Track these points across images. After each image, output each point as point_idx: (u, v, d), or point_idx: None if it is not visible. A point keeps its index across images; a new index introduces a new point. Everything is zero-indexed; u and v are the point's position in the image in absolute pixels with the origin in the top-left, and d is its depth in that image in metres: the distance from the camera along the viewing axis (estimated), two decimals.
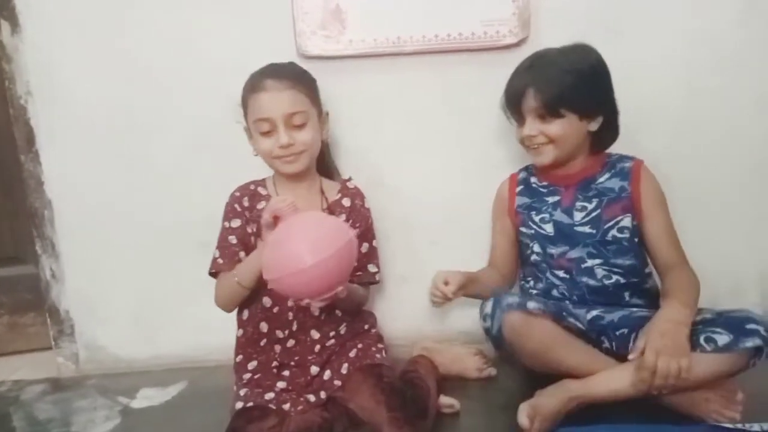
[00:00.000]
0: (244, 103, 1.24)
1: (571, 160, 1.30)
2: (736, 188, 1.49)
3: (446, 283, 1.28)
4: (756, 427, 1.09)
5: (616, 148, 1.32)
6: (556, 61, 1.23)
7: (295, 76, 1.23)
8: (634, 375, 1.10)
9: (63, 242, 1.47)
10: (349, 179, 1.36)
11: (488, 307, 1.22)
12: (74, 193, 1.45)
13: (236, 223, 1.26)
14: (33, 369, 1.55)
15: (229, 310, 1.26)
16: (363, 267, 1.32)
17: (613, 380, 1.14)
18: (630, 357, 1.10)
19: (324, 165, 1.37)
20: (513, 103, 1.28)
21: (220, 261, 1.24)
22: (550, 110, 1.23)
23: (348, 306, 1.27)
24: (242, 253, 1.25)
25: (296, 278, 1.02)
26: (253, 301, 1.27)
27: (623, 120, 1.29)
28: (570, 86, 1.21)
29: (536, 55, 1.27)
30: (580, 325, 1.22)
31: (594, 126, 1.27)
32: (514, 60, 1.29)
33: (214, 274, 1.25)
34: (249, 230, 1.26)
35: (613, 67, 1.25)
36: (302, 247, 1.02)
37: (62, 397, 1.43)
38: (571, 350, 1.18)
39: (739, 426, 1.09)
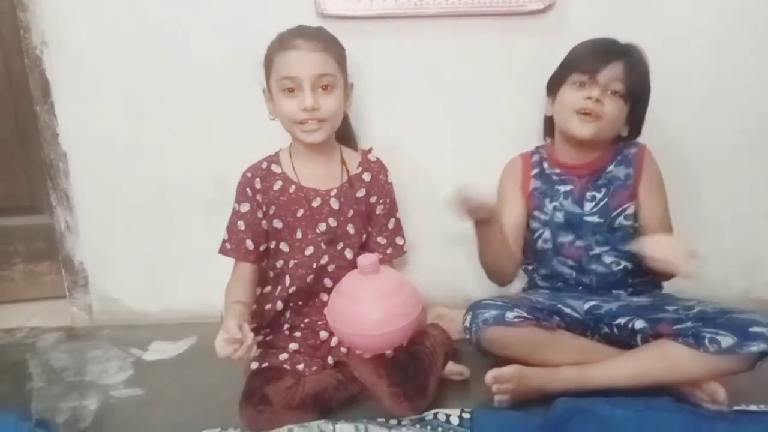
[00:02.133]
0: (269, 62, 1.19)
1: (592, 149, 1.29)
2: (762, 166, 1.46)
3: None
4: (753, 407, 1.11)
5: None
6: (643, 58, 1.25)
7: (327, 40, 1.20)
8: (698, 355, 1.09)
9: (77, 194, 1.48)
10: (370, 150, 1.33)
11: (467, 320, 1.23)
12: (89, 145, 1.45)
13: (245, 207, 1.24)
14: (48, 317, 1.59)
15: None
16: (392, 242, 1.31)
17: (611, 369, 1.16)
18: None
19: (343, 133, 1.33)
20: (597, 61, 1.22)
21: (228, 246, 1.25)
22: (627, 87, 1.22)
23: None
24: (249, 242, 1.24)
25: (360, 339, 1.09)
26: (271, 282, 1.29)
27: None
28: (646, 81, 1.25)
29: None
30: (576, 315, 1.24)
31: (625, 131, 1.30)
32: (538, 27, 1.26)
33: (224, 254, 1.26)
34: (259, 215, 1.25)
35: (640, 38, 1.21)
36: (373, 318, 1.06)
37: (76, 347, 1.47)
38: (558, 349, 1.19)
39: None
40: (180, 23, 1.39)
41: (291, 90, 1.17)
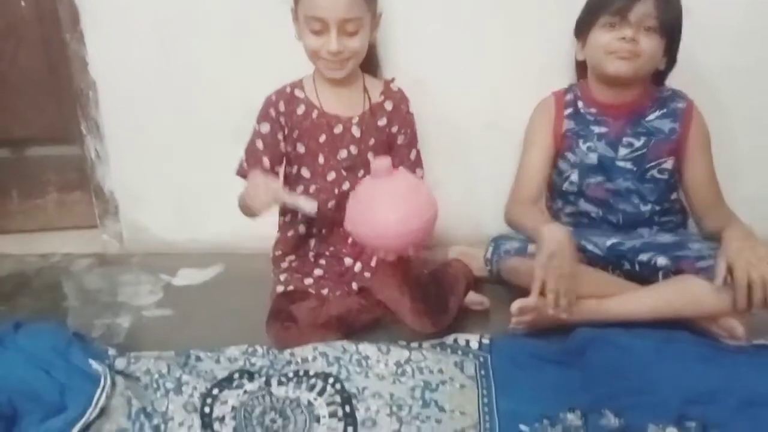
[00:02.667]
0: None
1: (630, 86, 1.26)
2: None
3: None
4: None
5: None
6: None
7: None
8: (718, 289, 1.10)
9: (107, 123, 1.50)
10: (393, 80, 1.33)
11: (489, 252, 1.26)
12: (118, 75, 1.45)
13: (265, 128, 1.25)
14: (80, 245, 1.63)
15: (249, 216, 1.22)
16: (412, 173, 1.31)
17: (630, 302, 1.18)
18: (716, 283, 1.10)
19: (367, 61, 1.32)
20: (625, 2, 1.19)
21: (245, 165, 1.26)
22: (661, 22, 1.18)
23: None
24: (266, 159, 1.25)
25: (378, 241, 1.10)
26: (295, 210, 1.30)
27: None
28: (678, 14, 1.21)
29: None
30: (598, 251, 1.24)
31: (662, 65, 1.25)
32: None
33: (241, 175, 1.26)
34: (279, 136, 1.26)
35: None
36: (390, 218, 1.06)
37: (108, 271, 1.52)
38: (578, 282, 1.18)
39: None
40: None
41: (317, 31, 1.16)
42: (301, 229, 1.31)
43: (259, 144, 1.26)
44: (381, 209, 1.08)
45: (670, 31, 1.21)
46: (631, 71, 1.22)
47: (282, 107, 1.26)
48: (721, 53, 1.38)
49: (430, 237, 1.14)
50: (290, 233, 1.32)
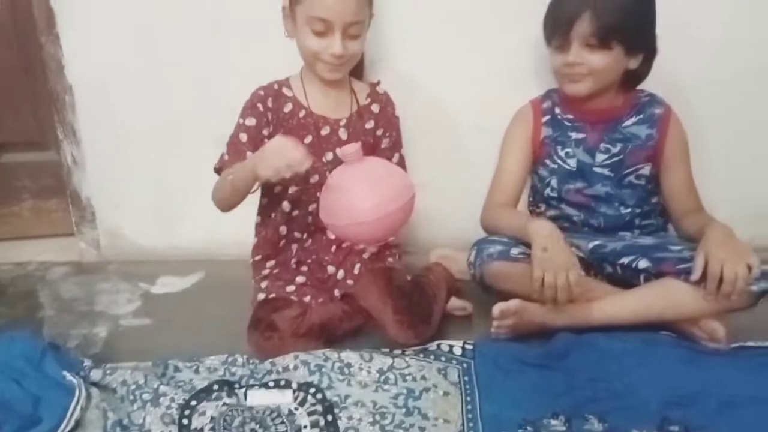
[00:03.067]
0: None
1: (601, 94, 1.25)
2: None
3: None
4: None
5: (653, 73, 1.27)
6: None
7: None
8: (699, 292, 1.10)
9: (84, 128, 1.47)
10: (378, 83, 1.32)
11: (472, 255, 1.25)
12: (95, 78, 1.42)
13: (251, 121, 1.22)
14: (57, 252, 1.60)
15: (223, 210, 1.20)
16: None
17: (612, 306, 1.18)
18: (692, 278, 1.10)
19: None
20: (562, 25, 1.19)
21: (226, 158, 1.20)
22: (602, 39, 1.16)
23: None
24: (249, 153, 1.20)
25: (355, 229, 1.06)
26: (273, 207, 1.29)
27: (662, 44, 1.23)
28: (628, 17, 1.16)
29: None
30: (581, 254, 1.25)
31: (634, 64, 1.23)
32: None
33: (218, 170, 1.21)
34: (265, 132, 1.23)
35: None
36: (366, 202, 1.04)
37: (85, 280, 1.49)
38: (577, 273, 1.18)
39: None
40: None
41: (320, 33, 1.14)
42: (282, 230, 1.29)
43: (243, 137, 1.21)
44: (356, 194, 1.05)
45: (621, 36, 1.16)
46: (587, 90, 1.22)
47: (270, 103, 1.23)
48: (701, 65, 1.39)
49: (407, 221, 1.11)
50: (270, 231, 1.29)
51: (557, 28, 1.21)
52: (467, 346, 1.16)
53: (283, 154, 1.02)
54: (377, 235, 1.09)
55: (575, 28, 1.17)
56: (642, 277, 1.20)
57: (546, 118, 1.33)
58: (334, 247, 1.29)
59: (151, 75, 1.42)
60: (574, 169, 1.31)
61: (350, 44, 1.16)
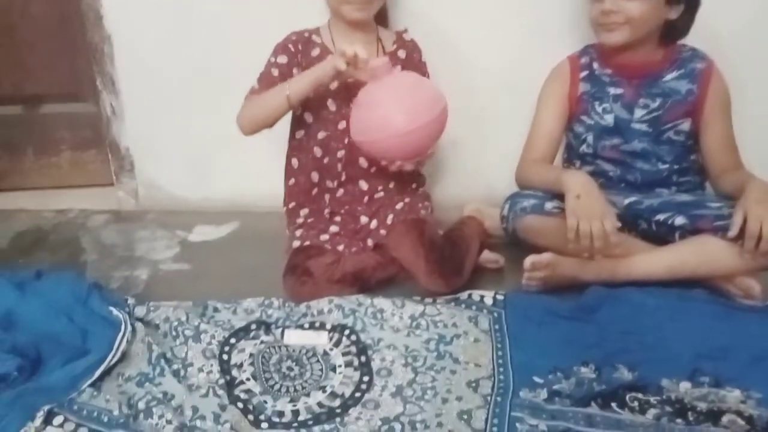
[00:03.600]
0: None
1: (640, 45, 1.22)
2: None
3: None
4: None
5: (695, 28, 1.23)
6: None
7: None
8: (736, 249, 1.10)
9: (122, 79, 1.49)
10: (405, 31, 1.32)
11: (506, 209, 1.25)
12: (133, 29, 1.44)
13: (283, 59, 1.23)
14: (96, 201, 1.64)
15: (249, 131, 1.22)
16: None
17: (646, 262, 1.17)
18: (729, 234, 1.09)
19: (378, 12, 1.29)
20: None
21: (257, 88, 1.22)
22: None
23: None
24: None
25: (390, 142, 1.05)
26: (304, 152, 1.30)
27: None
28: None
29: None
30: (616, 210, 1.22)
31: (674, 14, 1.19)
32: None
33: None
34: (295, 71, 1.23)
35: None
36: (399, 114, 1.03)
37: (125, 227, 1.53)
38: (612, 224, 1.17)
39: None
40: None
41: None
42: (314, 176, 1.30)
43: (275, 72, 1.23)
44: (388, 107, 1.04)
45: None
46: (624, 39, 1.19)
47: (300, 46, 1.25)
48: (743, 12, 1.34)
49: (441, 134, 1.10)
50: (302, 178, 1.31)
51: None
52: (498, 297, 1.17)
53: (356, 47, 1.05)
54: (411, 149, 1.07)
55: None
56: (677, 234, 1.19)
57: (584, 73, 1.31)
58: (366, 197, 1.31)
59: (189, 26, 1.44)
60: (611, 125, 1.29)
61: None
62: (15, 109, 1.66)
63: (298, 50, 1.25)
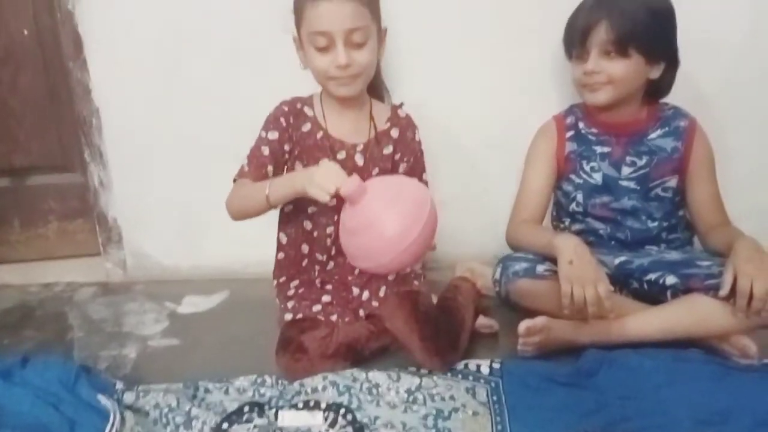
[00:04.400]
0: (299, 12, 1.15)
1: (623, 105, 1.26)
2: None
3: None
4: None
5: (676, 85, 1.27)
6: None
7: None
8: (729, 308, 1.10)
9: (110, 150, 1.50)
10: (401, 105, 1.31)
11: (497, 272, 1.25)
12: (121, 101, 1.46)
13: (273, 135, 1.21)
14: (83, 273, 1.62)
15: (236, 218, 1.20)
16: None
17: (640, 323, 1.17)
18: (720, 293, 1.09)
19: (373, 84, 1.29)
20: (580, 35, 1.20)
21: (246, 169, 1.19)
22: (619, 47, 1.17)
23: None
24: (270, 167, 1.20)
25: (395, 262, 1.03)
26: (293, 225, 1.29)
27: (683, 52, 1.23)
28: (644, 24, 1.17)
29: None
30: (606, 270, 1.24)
31: (655, 73, 1.23)
32: None
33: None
34: (286, 147, 1.22)
35: None
36: (394, 234, 0.99)
37: (113, 300, 1.51)
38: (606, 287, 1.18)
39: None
40: None
41: (323, 48, 1.13)
42: (304, 248, 1.29)
43: (265, 150, 1.20)
44: (377, 231, 1.00)
45: (638, 43, 1.17)
46: (608, 99, 1.22)
47: (291, 120, 1.24)
48: (722, 69, 1.39)
49: (436, 227, 1.06)
50: (291, 251, 1.30)
51: (575, 38, 1.23)
52: (495, 365, 1.15)
53: (332, 177, 1.02)
54: (411, 259, 1.04)
55: (592, 37, 1.19)
56: (669, 293, 1.19)
57: (570, 133, 1.34)
58: (357, 269, 1.29)
59: (175, 96, 1.45)
60: (600, 183, 1.31)
61: (356, 54, 1.13)
62: (2, 182, 1.65)
63: (290, 124, 1.23)
